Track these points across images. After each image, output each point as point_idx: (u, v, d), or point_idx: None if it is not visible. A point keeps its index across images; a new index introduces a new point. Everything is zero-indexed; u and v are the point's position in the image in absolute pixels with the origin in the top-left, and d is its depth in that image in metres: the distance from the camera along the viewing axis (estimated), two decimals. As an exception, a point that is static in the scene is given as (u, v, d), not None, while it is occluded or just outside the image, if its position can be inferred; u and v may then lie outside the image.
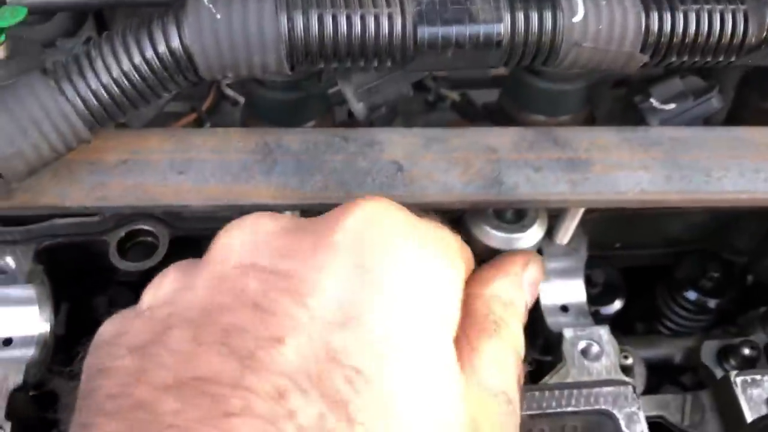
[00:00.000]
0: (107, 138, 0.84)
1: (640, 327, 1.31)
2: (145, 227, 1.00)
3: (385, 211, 0.53)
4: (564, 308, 1.02)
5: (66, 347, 1.12)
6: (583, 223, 1.06)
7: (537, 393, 0.89)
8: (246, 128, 0.87)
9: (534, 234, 0.93)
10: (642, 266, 1.26)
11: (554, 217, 1.03)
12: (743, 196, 0.86)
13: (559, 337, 0.97)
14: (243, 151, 0.84)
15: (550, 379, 0.93)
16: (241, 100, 1.26)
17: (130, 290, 1.10)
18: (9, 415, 0.86)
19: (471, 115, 1.24)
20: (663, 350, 1.19)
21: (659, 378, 1.21)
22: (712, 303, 1.18)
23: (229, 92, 1.29)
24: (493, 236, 0.92)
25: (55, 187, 0.80)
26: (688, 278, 1.19)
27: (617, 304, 1.17)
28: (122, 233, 1.00)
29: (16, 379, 0.88)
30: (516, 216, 0.94)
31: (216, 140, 0.85)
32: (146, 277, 1.00)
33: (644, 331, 1.28)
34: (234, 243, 0.52)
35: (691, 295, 1.18)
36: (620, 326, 1.01)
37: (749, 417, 0.91)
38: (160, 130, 0.86)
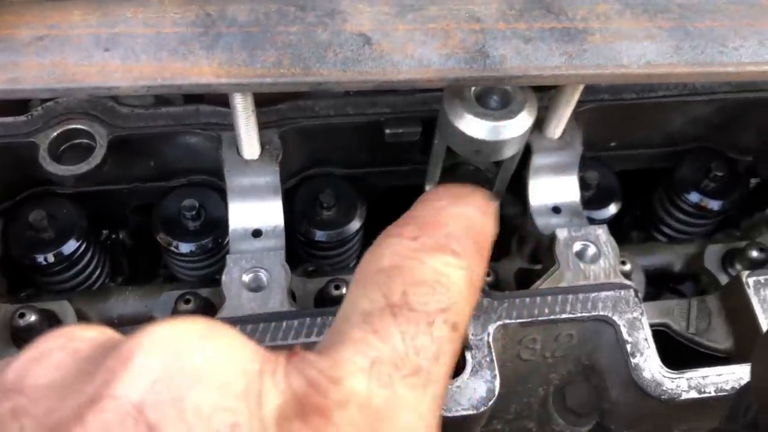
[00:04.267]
0: (20, 11, 0.71)
1: (636, 236, 1.21)
2: (80, 126, 0.88)
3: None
4: (556, 209, 0.92)
5: (3, 270, 1.01)
6: (576, 116, 0.96)
7: (528, 299, 0.79)
8: (184, -2, 0.74)
9: (523, 121, 0.81)
10: (638, 170, 1.16)
11: (544, 108, 0.92)
12: (764, 67, 0.74)
13: (551, 239, 0.87)
14: (180, 24, 0.71)
15: (543, 283, 0.83)
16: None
17: (69, 202, 0.98)
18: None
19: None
20: (662, 258, 1.09)
21: (657, 288, 1.12)
22: (715, 205, 1.07)
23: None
24: (476, 125, 0.80)
25: (-45, 67, 0.67)
26: (689, 178, 1.08)
27: (612, 209, 1.06)
28: (53, 134, 0.87)
29: (-69, 297, 0.77)
30: (501, 102, 0.82)
31: (148, 12, 0.72)
32: (82, 180, 0.89)
33: (640, 241, 1.19)
34: None
35: (693, 196, 1.08)
36: (615, 235, 0.90)
37: (763, 321, 0.82)
38: (83, 1, 0.73)
